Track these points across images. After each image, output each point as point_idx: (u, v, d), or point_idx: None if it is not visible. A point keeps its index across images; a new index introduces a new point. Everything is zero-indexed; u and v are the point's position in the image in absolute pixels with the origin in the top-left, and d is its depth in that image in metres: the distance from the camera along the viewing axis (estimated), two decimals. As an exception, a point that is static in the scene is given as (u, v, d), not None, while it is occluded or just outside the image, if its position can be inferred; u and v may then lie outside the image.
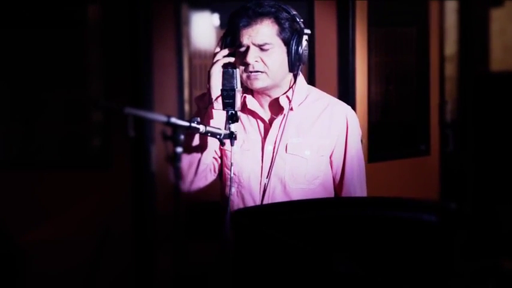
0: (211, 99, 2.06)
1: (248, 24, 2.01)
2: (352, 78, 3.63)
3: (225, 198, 2.14)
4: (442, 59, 4.11)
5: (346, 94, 3.60)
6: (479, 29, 4.05)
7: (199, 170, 2.08)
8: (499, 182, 4.27)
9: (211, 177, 2.16)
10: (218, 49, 2.10)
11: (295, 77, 2.13)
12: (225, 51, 2.07)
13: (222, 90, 1.97)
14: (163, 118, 1.73)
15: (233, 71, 1.97)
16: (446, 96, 4.18)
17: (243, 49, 2.03)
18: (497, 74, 4.31)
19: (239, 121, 2.07)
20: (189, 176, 2.08)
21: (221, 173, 2.19)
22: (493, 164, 4.36)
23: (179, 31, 3.62)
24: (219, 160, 2.16)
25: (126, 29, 3.63)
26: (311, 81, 3.60)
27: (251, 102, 2.13)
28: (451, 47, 4.14)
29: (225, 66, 2.06)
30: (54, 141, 3.96)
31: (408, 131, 4.13)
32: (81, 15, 3.88)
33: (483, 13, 3.97)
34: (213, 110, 2.06)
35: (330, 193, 2.18)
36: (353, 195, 2.17)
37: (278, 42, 2.04)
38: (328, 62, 3.64)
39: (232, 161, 2.02)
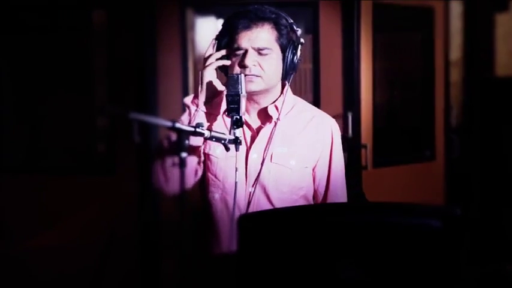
0: (202, 101, 2.05)
1: (248, 27, 2.01)
2: (357, 84, 3.63)
3: (209, 204, 2.13)
4: (447, 64, 4.11)
5: (351, 99, 3.60)
6: (484, 34, 4.05)
7: (189, 168, 2.04)
8: (505, 187, 4.27)
9: (193, 180, 2.13)
10: (211, 51, 2.08)
11: (283, 86, 2.13)
12: (219, 54, 2.06)
13: (226, 95, 1.97)
14: (168, 123, 1.73)
15: (238, 77, 1.97)
16: (451, 101, 4.18)
17: (240, 52, 2.03)
18: (502, 79, 4.30)
19: (225, 127, 2.09)
20: (172, 177, 2.05)
21: (203, 178, 2.16)
22: (498, 169, 4.36)
23: (184, 36, 3.63)
24: (202, 165, 2.14)
25: (131, 34, 3.64)
26: (316, 86, 3.61)
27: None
28: (456, 52, 4.14)
29: (219, 68, 2.06)
30: (59, 146, 3.96)
31: (413, 136, 4.12)
32: (86, 20, 3.89)
33: (488, 18, 3.97)
34: (201, 112, 2.05)
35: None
36: None
37: (276, 48, 2.04)
38: (333, 67, 3.64)
39: (237, 166, 2.02)
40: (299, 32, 2.10)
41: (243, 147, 2.09)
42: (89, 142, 4.02)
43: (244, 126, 2.11)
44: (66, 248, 3.61)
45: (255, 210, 2.08)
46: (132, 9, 3.63)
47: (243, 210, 2.09)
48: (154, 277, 3.55)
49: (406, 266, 1.49)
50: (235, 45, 2.03)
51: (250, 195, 2.09)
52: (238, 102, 1.95)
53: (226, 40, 2.06)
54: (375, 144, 3.71)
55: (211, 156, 2.12)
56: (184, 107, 2.10)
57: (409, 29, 4.14)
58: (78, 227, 3.64)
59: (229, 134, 1.98)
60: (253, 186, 2.08)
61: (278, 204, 2.08)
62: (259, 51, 2.02)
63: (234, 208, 2.05)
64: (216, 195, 2.12)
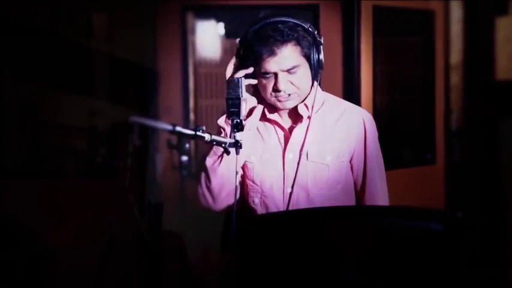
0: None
1: (273, 53, 2.00)
2: (357, 87, 3.64)
3: (250, 209, 2.15)
4: (447, 67, 4.11)
5: (351, 102, 3.61)
6: (484, 37, 4.04)
7: (231, 189, 2.09)
8: (505, 190, 4.26)
9: (238, 193, 2.15)
10: (231, 70, 2.08)
11: (313, 85, 2.15)
12: (244, 72, 2.04)
13: (227, 99, 1.97)
14: (169, 127, 1.73)
15: (238, 80, 1.97)
16: (452, 105, 4.18)
17: (269, 75, 2.03)
18: (503, 83, 4.30)
19: (257, 131, 2.11)
20: (220, 197, 2.10)
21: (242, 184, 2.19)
22: (498, 172, 4.35)
23: (185, 40, 3.64)
24: (241, 173, 2.17)
25: (132, 37, 3.65)
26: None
27: (271, 112, 2.14)
28: (456, 55, 4.14)
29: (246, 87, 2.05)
30: (60, 149, 3.97)
31: (413, 139, 4.13)
32: (87, 24, 3.90)
33: (488, 22, 3.96)
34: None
35: (352, 198, 2.19)
36: (376, 198, 2.18)
37: (302, 61, 2.05)
38: (333, 71, 3.64)
39: (237, 170, 2.01)
40: (316, 32, 2.10)
41: (278, 149, 2.12)
42: (90, 145, 4.02)
43: (277, 128, 2.14)
44: (66, 251, 3.61)
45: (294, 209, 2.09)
46: (133, 12, 3.64)
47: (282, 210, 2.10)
48: (155, 280, 3.55)
49: (407, 270, 1.49)
50: (263, 70, 2.03)
51: (289, 194, 2.10)
52: (238, 106, 1.95)
53: (250, 63, 2.05)
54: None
55: (246, 162, 2.14)
56: (219, 129, 2.11)
57: (410, 32, 4.15)
58: (79, 230, 3.64)
59: (230, 137, 1.98)
60: (292, 186, 2.10)
61: (318, 201, 2.10)
62: (288, 71, 2.02)
63: (234, 211, 2.05)
64: (255, 199, 2.14)
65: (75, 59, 3.88)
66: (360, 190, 2.19)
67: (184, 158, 1.71)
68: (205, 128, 1.90)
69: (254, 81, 2.07)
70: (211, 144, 1.96)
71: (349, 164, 2.15)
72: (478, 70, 4.10)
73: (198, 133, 1.84)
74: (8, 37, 3.83)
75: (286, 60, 2.01)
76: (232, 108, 1.96)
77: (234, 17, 3.73)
